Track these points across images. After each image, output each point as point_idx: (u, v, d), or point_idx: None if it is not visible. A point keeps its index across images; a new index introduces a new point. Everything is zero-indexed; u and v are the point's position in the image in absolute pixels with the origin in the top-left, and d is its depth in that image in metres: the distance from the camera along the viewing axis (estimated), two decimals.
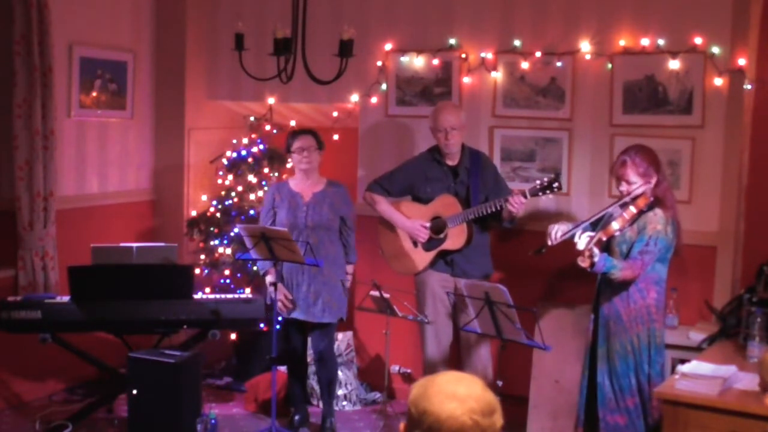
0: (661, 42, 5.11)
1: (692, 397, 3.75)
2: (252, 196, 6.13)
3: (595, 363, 4.45)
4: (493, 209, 4.91)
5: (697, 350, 4.60)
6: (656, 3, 5.17)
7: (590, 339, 4.52)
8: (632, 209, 4.25)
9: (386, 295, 4.91)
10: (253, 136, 6.32)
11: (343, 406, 5.74)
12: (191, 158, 6.51)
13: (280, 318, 5.24)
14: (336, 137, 6.17)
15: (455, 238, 5.05)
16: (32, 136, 5.41)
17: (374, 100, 5.97)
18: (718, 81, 4.99)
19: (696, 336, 4.75)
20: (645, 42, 5.15)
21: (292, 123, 6.54)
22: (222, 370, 6.34)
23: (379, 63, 5.92)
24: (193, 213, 6.37)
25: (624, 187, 4.33)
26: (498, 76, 5.58)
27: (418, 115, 5.75)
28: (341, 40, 4.07)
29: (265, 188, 6.13)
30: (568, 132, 5.43)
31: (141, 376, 4.81)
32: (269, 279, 5.20)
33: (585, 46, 5.32)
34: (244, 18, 5.35)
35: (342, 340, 5.90)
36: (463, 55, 5.67)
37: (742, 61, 4.94)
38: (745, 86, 4.96)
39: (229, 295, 5.46)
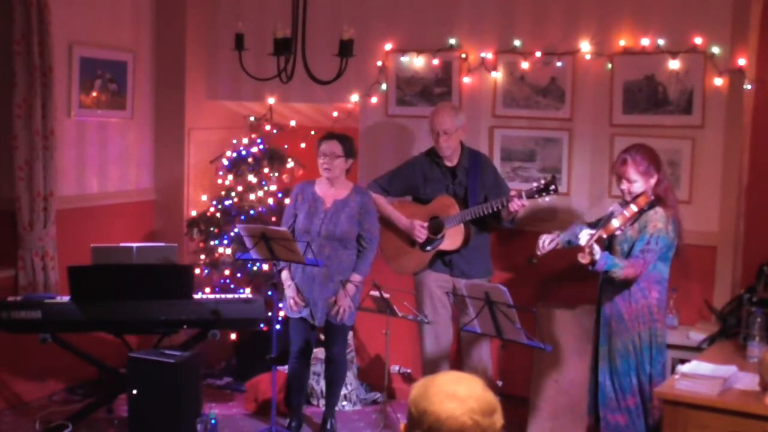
0: (661, 42, 5.11)
1: (692, 397, 3.75)
2: (252, 196, 6.13)
3: (597, 363, 4.46)
4: (491, 210, 4.92)
5: (697, 350, 4.60)
6: (656, 3, 5.17)
7: (593, 339, 4.53)
8: (633, 207, 4.25)
9: (386, 295, 4.91)
10: (253, 136, 6.32)
11: (343, 406, 5.73)
12: (191, 158, 6.51)
13: (282, 316, 5.22)
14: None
15: (452, 239, 5.05)
16: (32, 136, 5.41)
17: (374, 100, 5.97)
18: (718, 81, 4.99)
19: (696, 336, 4.75)
20: (645, 42, 5.15)
21: (292, 123, 6.55)
22: (222, 370, 6.34)
23: (379, 63, 5.92)
24: (193, 213, 6.37)
25: (624, 186, 4.34)
26: (498, 76, 5.59)
27: (418, 115, 5.75)
28: (341, 40, 4.07)
29: (265, 188, 6.14)
30: (568, 132, 5.43)
31: (141, 376, 4.80)
32: (285, 275, 5.14)
33: (585, 46, 5.32)
34: (244, 18, 5.35)
35: None
36: (463, 55, 5.67)
37: (742, 61, 4.94)
38: (745, 86, 4.96)
39: (229, 295, 5.46)
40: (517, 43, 5.49)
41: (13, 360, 5.57)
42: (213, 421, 4.82)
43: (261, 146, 6.22)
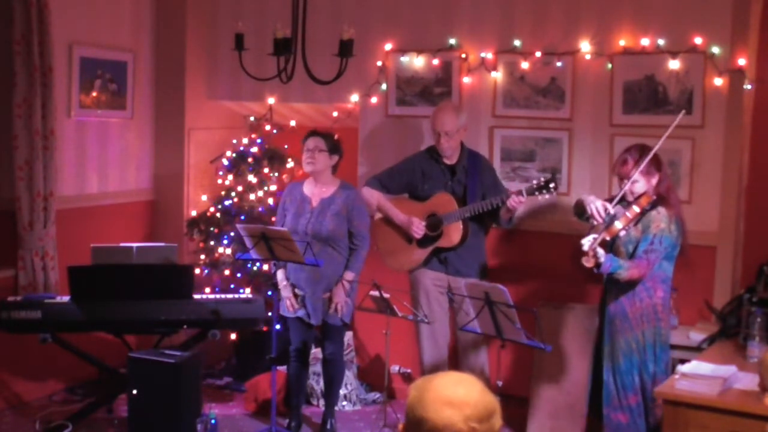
0: (661, 42, 5.10)
1: (692, 397, 3.75)
2: (252, 196, 6.13)
3: (601, 361, 4.46)
4: (490, 207, 4.92)
5: (697, 350, 4.60)
6: (656, 3, 5.16)
7: (596, 338, 4.53)
8: (635, 208, 4.25)
9: (386, 295, 4.91)
10: (253, 136, 6.32)
11: (343, 406, 5.73)
12: (191, 158, 6.51)
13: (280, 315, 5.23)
14: (336, 137, 6.15)
15: (450, 236, 5.05)
16: (32, 136, 5.41)
17: (374, 100, 5.97)
18: (718, 81, 4.99)
19: (696, 336, 4.75)
20: (645, 42, 5.15)
21: (292, 123, 6.54)
22: (222, 370, 6.34)
23: (379, 63, 5.92)
24: (193, 213, 6.37)
25: (626, 186, 4.33)
26: (498, 76, 5.58)
27: (418, 115, 5.75)
28: (341, 40, 4.07)
29: (266, 188, 6.14)
30: (568, 132, 5.43)
31: (141, 376, 4.80)
32: (281, 275, 5.16)
33: (585, 46, 5.31)
34: (244, 18, 5.36)
35: None
36: (463, 55, 5.66)
37: (742, 61, 4.94)
38: (745, 86, 4.96)
39: (229, 295, 5.46)
40: (517, 43, 5.49)
41: (13, 360, 5.57)
42: (213, 421, 4.83)
43: (261, 146, 6.22)
